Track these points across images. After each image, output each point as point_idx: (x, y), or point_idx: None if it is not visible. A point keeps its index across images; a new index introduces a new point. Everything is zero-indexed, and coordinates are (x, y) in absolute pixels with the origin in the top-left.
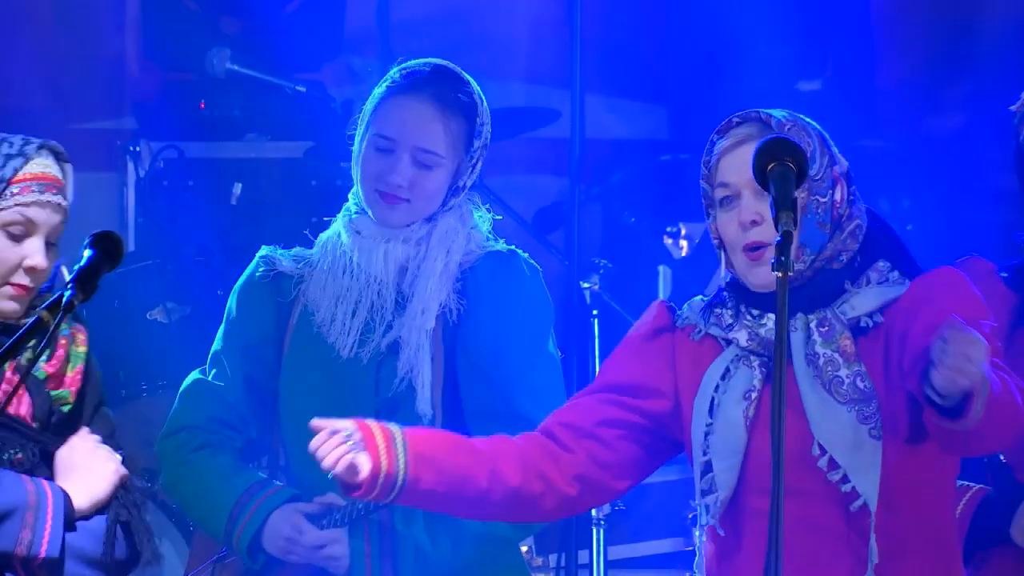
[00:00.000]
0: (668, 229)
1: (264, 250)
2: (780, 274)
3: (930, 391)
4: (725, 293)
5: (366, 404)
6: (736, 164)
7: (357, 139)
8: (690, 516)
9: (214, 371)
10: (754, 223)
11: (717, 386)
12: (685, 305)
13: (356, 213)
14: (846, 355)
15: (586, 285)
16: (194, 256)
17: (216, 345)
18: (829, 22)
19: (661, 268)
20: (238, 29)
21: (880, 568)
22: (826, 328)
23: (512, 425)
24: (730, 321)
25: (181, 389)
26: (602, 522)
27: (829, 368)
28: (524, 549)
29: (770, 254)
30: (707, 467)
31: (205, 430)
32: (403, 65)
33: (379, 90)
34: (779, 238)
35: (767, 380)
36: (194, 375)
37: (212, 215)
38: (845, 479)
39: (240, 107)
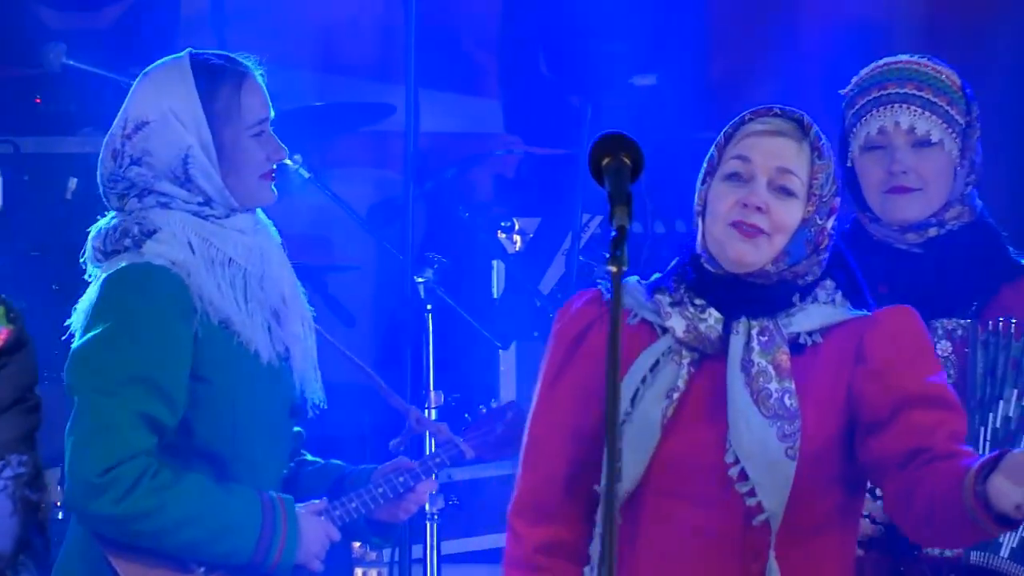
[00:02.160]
0: (502, 224)
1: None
2: (614, 269)
3: (983, 492)
4: (673, 277)
5: (282, 403)
6: (765, 149)
7: None
8: None
9: (148, 390)
10: (759, 209)
11: (644, 377)
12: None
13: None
14: (780, 370)
15: (420, 279)
16: (29, 251)
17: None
18: (664, 17)
19: (495, 263)
20: (74, 24)
21: None
22: (766, 338)
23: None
24: (668, 308)
25: (109, 418)
26: (436, 516)
27: (761, 379)
28: (357, 545)
29: (759, 241)
30: (617, 456)
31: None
32: None
33: None
34: (614, 233)
35: (693, 379)
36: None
37: (47, 210)
38: (752, 493)
39: (76, 102)
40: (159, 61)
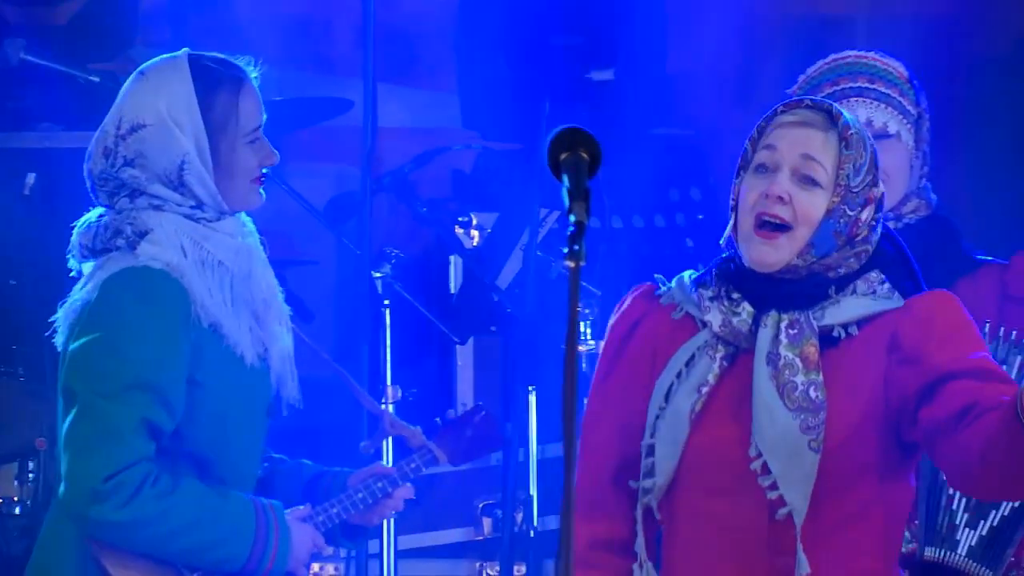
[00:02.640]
0: (459, 219)
1: None
2: (572, 264)
3: None
4: (714, 272)
5: (261, 402)
6: (791, 139)
7: None
8: (481, 506)
9: (150, 396)
10: (780, 199)
11: (680, 372)
12: (674, 279)
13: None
14: (807, 362)
15: (378, 275)
16: None
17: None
18: (621, 12)
19: (452, 258)
20: (32, 19)
21: None
22: (795, 331)
23: None
24: (707, 303)
25: (112, 424)
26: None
27: (787, 372)
28: None
29: (782, 238)
30: (650, 450)
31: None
32: None
33: None
34: (572, 228)
35: (726, 373)
36: (117, 408)
37: (5, 205)
38: (774, 486)
39: (34, 97)
40: (155, 60)
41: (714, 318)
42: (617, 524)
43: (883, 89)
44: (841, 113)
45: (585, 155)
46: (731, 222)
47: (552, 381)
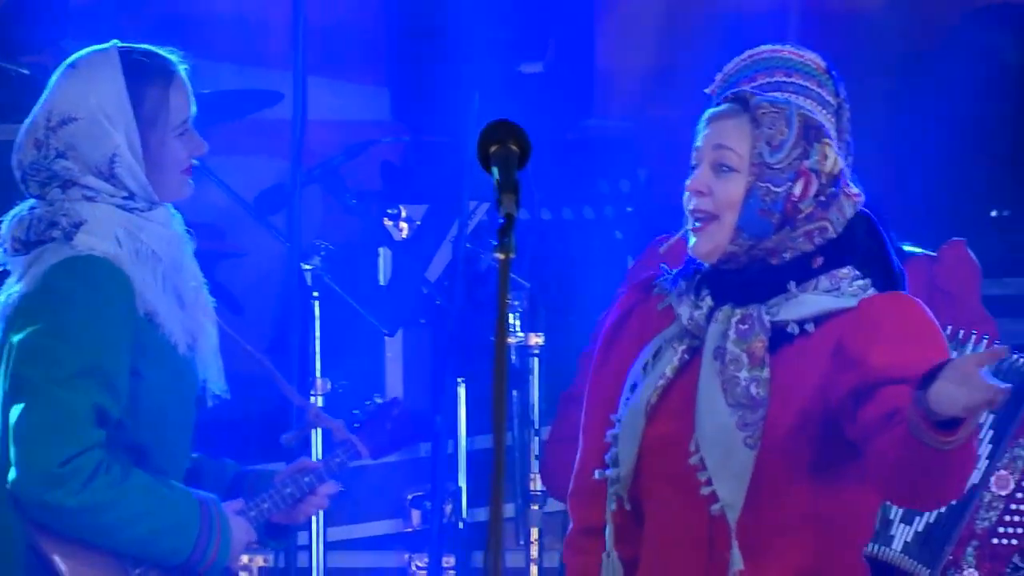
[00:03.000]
0: (388, 211)
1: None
2: (501, 256)
3: (927, 405)
4: (691, 264)
5: (191, 392)
6: (708, 134)
7: None
8: (410, 498)
9: (100, 383)
10: (699, 193)
11: (647, 364)
12: (676, 271)
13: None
14: (753, 358)
15: (307, 267)
16: None
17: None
18: (550, 4)
19: (381, 250)
20: None
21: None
22: (746, 327)
23: None
24: (681, 295)
25: (66, 409)
26: None
27: (732, 367)
28: None
29: (709, 227)
30: (615, 440)
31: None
32: None
33: None
34: (501, 220)
35: (685, 368)
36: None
37: None
38: (710, 481)
39: None
40: (85, 52)
41: (683, 311)
42: (627, 513)
43: (801, 81)
44: (755, 94)
45: (515, 148)
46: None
47: (481, 373)
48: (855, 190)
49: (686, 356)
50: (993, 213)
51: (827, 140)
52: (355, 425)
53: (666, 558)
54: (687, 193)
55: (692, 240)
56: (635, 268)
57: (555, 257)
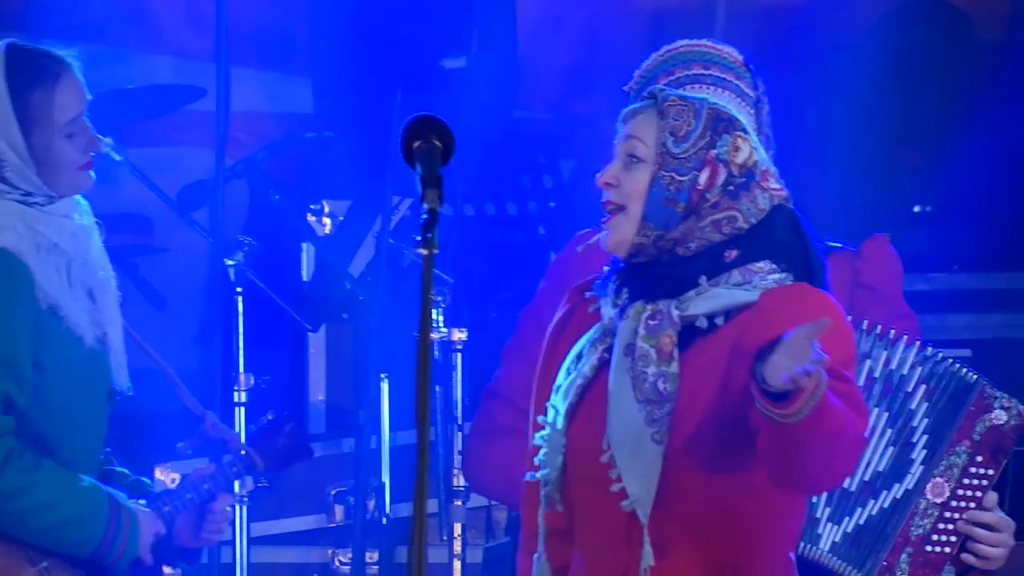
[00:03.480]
0: (312, 206)
1: None
2: (425, 252)
3: (762, 377)
4: (613, 266)
5: (101, 387)
6: (620, 132)
7: None
8: (333, 493)
9: (7, 371)
10: (608, 184)
11: (570, 366)
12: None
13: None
14: (661, 353)
15: (230, 262)
16: None
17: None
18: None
19: (304, 245)
20: None
21: (656, 571)
22: (655, 322)
23: None
24: (605, 296)
25: None
26: (245, 499)
27: (641, 363)
28: None
29: (617, 218)
30: (543, 442)
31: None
32: None
33: None
34: (425, 215)
35: (602, 367)
36: None
37: None
38: (620, 478)
39: None
40: None
41: (605, 311)
42: (560, 515)
43: (718, 74)
44: (663, 89)
45: (438, 143)
46: None
47: (404, 368)
48: (775, 185)
49: (605, 355)
50: (916, 208)
51: (740, 133)
52: (252, 431)
53: (590, 558)
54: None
55: (603, 236)
56: (556, 263)
57: (478, 252)
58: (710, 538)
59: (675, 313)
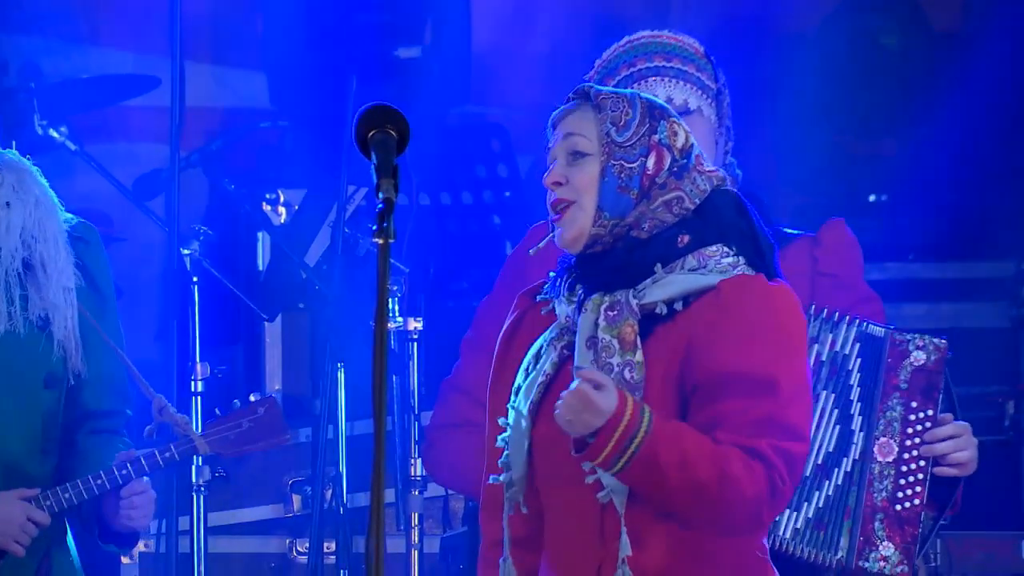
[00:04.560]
0: (267, 196)
1: None
2: (381, 241)
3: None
4: (563, 264)
5: (36, 372)
6: (556, 133)
7: None
8: (290, 483)
9: None
10: (557, 183)
11: (528, 366)
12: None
13: None
14: (624, 343)
15: (186, 252)
16: None
17: None
18: None
19: (260, 235)
20: None
21: (633, 561)
22: (615, 312)
23: None
24: (559, 296)
25: None
26: (203, 488)
27: (604, 354)
28: None
29: (570, 213)
30: (506, 444)
31: None
32: None
33: None
34: (380, 205)
35: (565, 363)
36: None
37: None
38: (594, 470)
39: None
40: None
41: (560, 309)
42: (525, 517)
43: (680, 66)
44: (594, 87)
45: (393, 132)
46: None
47: (361, 358)
48: (710, 167)
49: (565, 352)
50: (871, 198)
51: (673, 119)
52: (216, 415)
53: (562, 558)
54: (548, 191)
55: (556, 233)
56: (515, 255)
57: (434, 242)
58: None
59: (634, 302)
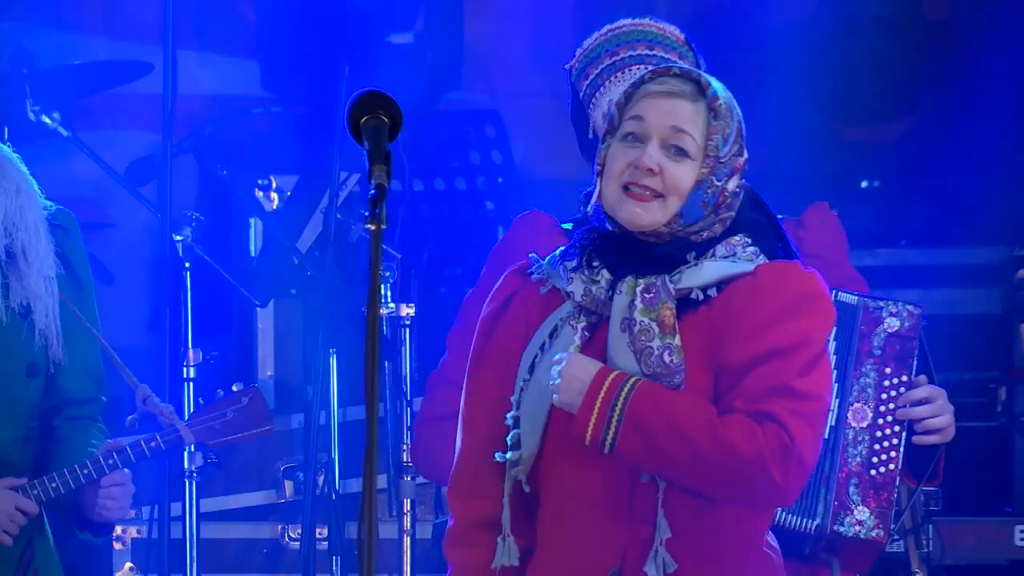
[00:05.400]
0: (259, 181)
1: None
2: (373, 227)
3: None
4: (577, 242)
5: (19, 360)
6: (660, 110)
7: None
8: (282, 469)
9: None
10: (651, 171)
11: (544, 344)
12: (548, 257)
13: None
14: (663, 326)
15: (179, 238)
16: None
17: None
18: None
19: (252, 220)
20: None
21: (670, 544)
22: (651, 295)
23: None
24: (570, 273)
25: None
26: (195, 474)
27: (643, 337)
28: None
29: (653, 203)
30: (516, 422)
31: None
32: None
33: None
34: (373, 191)
35: (588, 343)
36: None
37: None
38: None
39: None
40: None
41: (576, 288)
42: (497, 503)
43: (662, 54)
44: (710, 83)
45: (385, 118)
46: (596, 188)
47: (353, 344)
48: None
49: (587, 333)
50: (863, 184)
51: (744, 136)
52: (200, 404)
53: (572, 536)
54: (624, 164)
55: (628, 209)
56: (499, 247)
57: (427, 228)
58: (715, 509)
59: (671, 286)
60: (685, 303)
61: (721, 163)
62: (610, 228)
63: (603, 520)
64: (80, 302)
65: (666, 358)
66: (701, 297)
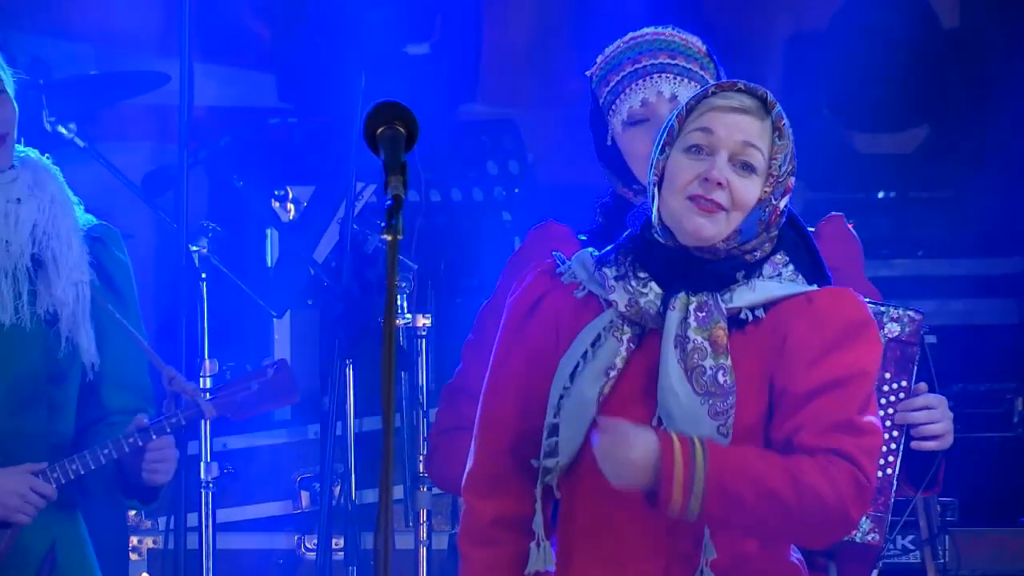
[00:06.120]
0: (276, 192)
1: None
2: (389, 238)
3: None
4: (620, 250)
5: (38, 369)
6: (729, 124)
7: None
8: (299, 479)
9: None
10: (720, 185)
11: (586, 352)
12: (574, 257)
13: None
14: (716, 346)
15: (195, 248)
16: None
17: None
18: None
19: (269, 231)
20: None
21: (715, 565)
22: (704, 313)
23: None
24: (612, 282)
25: None
26: (211, 485)
27: (696, 355)
28: (132, 513)
29: (717, 216)
30: (553, 429)
31: None
32: None
33: None
34: (389, 201)
35: (634, 355)
36: None
37: None
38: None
39: None
40: None
41: (620, 297)
42: (519, 501)
43: (684, 64)
44: (776, 102)
45: (402, 129)
46: (655, 199)
47: (369, 354)
48: None
49: (632, 344)
50: (880, 194)
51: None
52: (226, 379)
53: (615, 548)
54: (691, 175)
55: (693, 220)
56: (516, 258)
57: (443, 238)
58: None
59: (723, 305)
60: (733, 322)
61: (778, 181)
62: (661, 240)
63: (646, 536)
64: (121, 314)
65: (720, 378)
66: (750, 318)
